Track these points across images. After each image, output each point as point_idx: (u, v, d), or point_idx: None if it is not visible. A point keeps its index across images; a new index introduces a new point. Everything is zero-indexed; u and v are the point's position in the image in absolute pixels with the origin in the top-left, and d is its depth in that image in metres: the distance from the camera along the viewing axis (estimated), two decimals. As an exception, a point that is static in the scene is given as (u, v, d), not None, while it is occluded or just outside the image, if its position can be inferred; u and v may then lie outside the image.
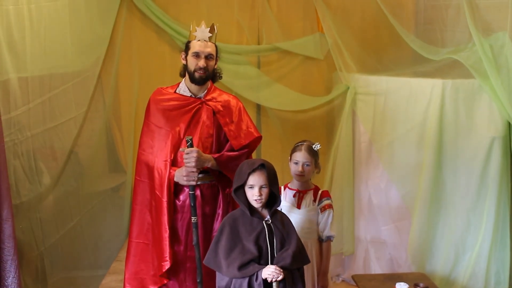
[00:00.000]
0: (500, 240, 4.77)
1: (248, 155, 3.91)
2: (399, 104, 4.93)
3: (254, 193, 3.14)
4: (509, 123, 4.60)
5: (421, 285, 3.99)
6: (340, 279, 5.28)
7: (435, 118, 4.72)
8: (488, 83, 4.54)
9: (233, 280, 3.11)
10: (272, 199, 3.24)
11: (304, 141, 3.89)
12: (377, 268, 5.15)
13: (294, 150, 3.87)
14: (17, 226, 4.00)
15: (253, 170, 3.15)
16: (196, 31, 3.72)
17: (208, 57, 3.74)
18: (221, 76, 3.91)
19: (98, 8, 5.26)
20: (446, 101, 4.70)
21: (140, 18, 5.69)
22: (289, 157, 3.90)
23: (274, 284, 3.06)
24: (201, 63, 3.72)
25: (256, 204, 3.17)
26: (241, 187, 3.21)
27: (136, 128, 5.71)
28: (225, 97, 3.91)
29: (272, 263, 3.11)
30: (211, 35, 3.74)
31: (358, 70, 5.37)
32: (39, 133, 4.40)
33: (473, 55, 4.66)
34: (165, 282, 3.77)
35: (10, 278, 3.64)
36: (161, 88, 3.95)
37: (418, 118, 4.84)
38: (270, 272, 3.04)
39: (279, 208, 3.84)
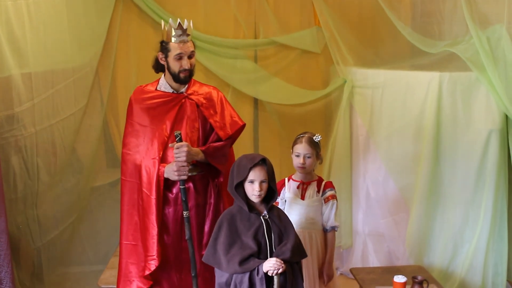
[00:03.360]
0: (498, 233, 4.79)
1: (232, 144, 3.96)
2: (397, 97, 4.93)
3: (254, 188, 3.14)
4: (506, 116, 4.61)
5: (419, 277, 4.00)
6: (338, 272, 5.29)
7: (433, 111, 4.73)
8: (485, 75, 4.55)
9: (234, 275, 3.10)
10: (269, 195, 3.24)
11: (304, 133, 3.90)
12: (375, 261, 5.16)
13: (295, 143, 3.88)
14: (12, 221, 4.01)
15: (254, 165, 3.15)
16: (173, 32, 3.68)
17: (190, 56, 3.74)
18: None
19: (95, 2, 5.25)
20: (444, 94, 4.71)
21: (136, 13, 5.66)
22: (291, 150, 3.91)
23: (275, 277, 3.06)
24: (186, 64, 3.72)
25: (255, 199, 3.17)
26: (240, 183, 3.20)
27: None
28: (205, 89, 3.93)
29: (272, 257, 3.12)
30: (190, 35, 3.71)
31: (355, 63, 5.38)
32: (43, 129, 4.40)
33: (470, 48, 4.67)
34: (150, 284, 3.78)
35: (3, 272, 3.66)
36: (141, 86, 3.94)
37: (416, 111, 4.84)
38: (271, 264, 3.04)
39: (283, 200, 3.87)
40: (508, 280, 4.86)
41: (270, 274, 3.06)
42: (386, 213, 5.10)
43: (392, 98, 4.96)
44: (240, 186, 3.20)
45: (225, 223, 3.19)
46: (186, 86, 3.85)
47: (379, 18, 5.49)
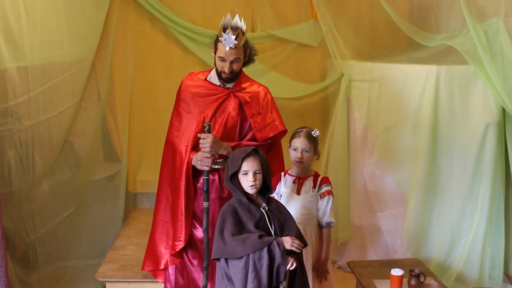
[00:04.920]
0: (495, 226, 4.80)
1: (270, 147, 3.93)
2: (394, 90, 4.93)
3: (248, 179, 3.14)
4: (504, 109, 4.61)
5: (416, 271, 4.01)
6: (336, 266, 5.29)
7: (430, 104, 4.73)
8: (482, 69, 4.55)
9: (251, 255, 3.03)
10: (265, 187, 3.24)
11: (303, 127, 3.89)
12: (372, 254, 5.17)
13: (293, 137, 3.88)
14: (7, 215, 4.01)
15: (247, 155, 3.15)
16: (223, 34, 3.61)
17: (233, 61, 3.71)
18: (254, 60, 3.87)
19: (92, -4, 5.25)
20: (441, 88, 4.71)
21: (133, 7, 5.65)
22: (289, 144, 3.91)
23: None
24: (226, 68, 3.70)
25: (250, 190, 3.17)
26: (235, 177, 3.20)
27: (131, 117, 5.71)
28: (254, 87, 3.90)
29: None
30: (237, 42, 3.63)
31: (352, 57, 5.37)
32: (39, 123, 4.40)
33: (467, 41, 4.66)
34: (178, 261, 3.88)
35: None
36: (192, 73, 3.97)
37: (413, 105, 4.84)
38: (295, 244, 3.06)
39: (279, 194, 3.87)
40: (505, 273, 4.87)
41: (292, 248, 3.06)
42: (384, 206, 5.10)
43: (389, 92, 4.96)
44: (236, 181, 3.20)
45: (229, 215, 3.17)
46: (235, 81, 3.84)
47: (376, 12, 5.48)
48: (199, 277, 3.89)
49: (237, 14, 3.70)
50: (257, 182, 3.15)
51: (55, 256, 4.80)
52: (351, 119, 5.24)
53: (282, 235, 3.16)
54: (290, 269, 3.05)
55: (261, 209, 3.20)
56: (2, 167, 3.99)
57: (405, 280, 3.98)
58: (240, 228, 3.13)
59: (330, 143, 5.31)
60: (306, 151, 3.81)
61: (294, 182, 3.88)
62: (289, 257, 3.06)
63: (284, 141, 4.10)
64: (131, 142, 5.75)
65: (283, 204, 3.75)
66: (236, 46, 3.64)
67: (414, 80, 4.83)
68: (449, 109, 4.73)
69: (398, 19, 5.22)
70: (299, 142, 3.82)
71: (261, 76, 5.74)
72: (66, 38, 4.81)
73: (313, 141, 3.84)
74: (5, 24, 3.90)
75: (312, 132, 3.84)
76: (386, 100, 4.97)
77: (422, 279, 4.01)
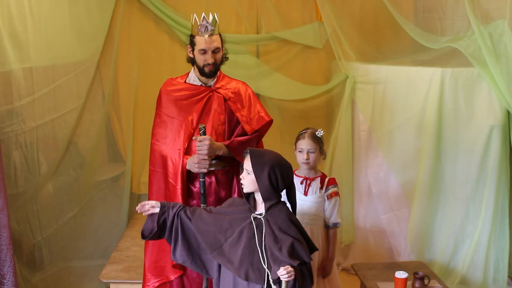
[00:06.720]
0: (499, 229, 4.79)
1: (259, 139, 3.97)
2: (398, 92, 4.93)
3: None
4: (508, 112, 4.61)
5: (420, 273, 4.00)
6: (340, 268, 5.28)
7: (434, 106, 4.72)
8: (487, 71, 4.54)
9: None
10: (268, 193, 3.11)
11: (307, 128, 3.91)
12: (376, 257, 5.16)
13: (298, 139, 3.89)
14: (13, 216, 4.02)
15: (244, 153, 3.15)
16: (198, 26, 3.70)
17: (214, 51, 3.75)
18: (227, 58, 3.90)
19: (96, -3, 5.26)
20: (445, 90, 4.71)
21: (138, 8, 5.67)
22: (294, 146, 3.92)
23: (283, 283, 2.94)
24: (209, 59, 3.74)
25: (244, 188, 3.15)
26: None
27: (135, 118, 5.71)
28: (234, 84, 3.94)
29: (266, 260, 3.03)
30: (214, 28, 3.71)
31: (357, 59, 5.37)
32: (44, 124, 4.41)
33: (472, 44, 4.66)
34: (180, 273, 3.84)
35: (6, 267, 3.67)
36: (171, 79, 3.98)
37: (417, 107, 4.84)
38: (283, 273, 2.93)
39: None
40: (509, 276, 4.86)
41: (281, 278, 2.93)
42: (388, 208, 5.10)
43: (394, 94, 4.95)
44: None
45: (227, 202, 3.26)
46: (215, 79, 3.88)
47: (381, 14, 5.49)
48: (199, 279, 3.88)
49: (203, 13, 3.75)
50: (244, 181, 3.12)
51: (59, 257, 4.81)
52: (355, 121, 5.24)
53: (274, 247, 3.03)
54: (286, 280, 2.92)
55: (251, 215, 3.12)
56: (8, 168, 4.00)
57: (409, 283, 3.97)
58: (218, 214, 3.19)
59: (334, 145, 5.31)
60: (312, 151, 3.83)
61: (301, 183, 3.90)
62: (289, 267, 2.91)
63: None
64: (135, 143, 5.76)
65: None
66: (213, 33, 3.71)
67: (418, 82, 4.82)
68: (453, 112, 4.72)
69: (403, 21, 5.22)
70: (304, 144, 3.83)
71: (266, 77, 5.77)
72: (71, 39, 4.83)
73: (318, 141, 3.86)
74: (11, 25, 3.92)
75: (316, 132, 3.86)
76: (391, 102, 4.97)
77: (426, 281, 4.00)
